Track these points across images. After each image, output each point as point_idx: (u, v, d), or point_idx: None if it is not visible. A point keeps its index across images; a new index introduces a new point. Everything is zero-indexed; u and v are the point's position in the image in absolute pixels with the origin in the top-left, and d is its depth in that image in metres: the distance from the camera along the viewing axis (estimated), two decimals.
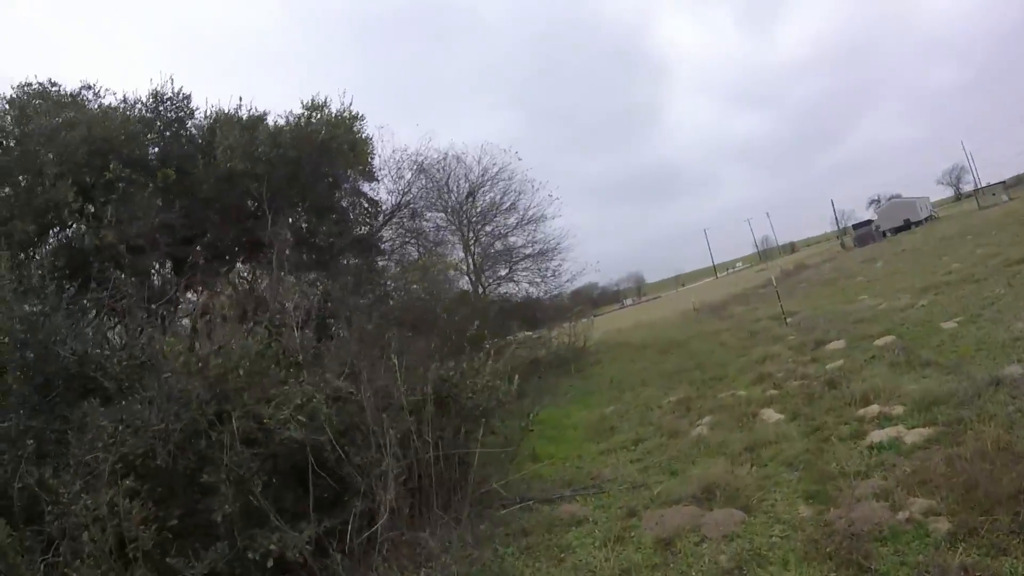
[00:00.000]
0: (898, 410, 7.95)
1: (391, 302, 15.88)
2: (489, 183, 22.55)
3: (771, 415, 9.38)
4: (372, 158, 18.18)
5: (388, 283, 16.75)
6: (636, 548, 6.05)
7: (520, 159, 27.10)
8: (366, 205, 18.88)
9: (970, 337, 10.58)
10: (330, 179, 15.78)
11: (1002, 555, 4.29)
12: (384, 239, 19.51)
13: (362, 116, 15.86)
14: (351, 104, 15.44)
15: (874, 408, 8.24)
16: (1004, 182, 72.69)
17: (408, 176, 19.71)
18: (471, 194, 22.46)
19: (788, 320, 18.14)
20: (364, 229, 18.19)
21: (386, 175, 19.24)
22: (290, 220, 14.39)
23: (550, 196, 23.71)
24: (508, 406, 9.22)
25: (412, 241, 20.27)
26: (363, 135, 17.15)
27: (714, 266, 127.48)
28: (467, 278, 22.42)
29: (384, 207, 19.03)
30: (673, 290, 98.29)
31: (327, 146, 14.48)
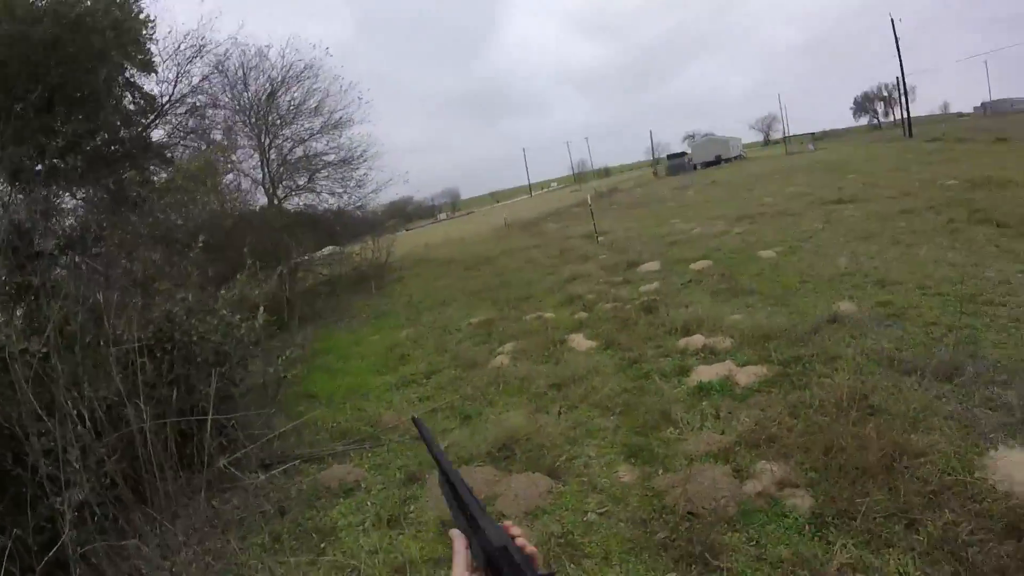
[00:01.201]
0: (725, 343, 7.12)
1: (164, 217, 13.15)
2: (294, 81, 19.56)
3: (581, 342, 8.32)
4: (150, 43, 15.15)
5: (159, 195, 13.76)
6: (415, 533, 4.59)
7: (331, 55, 24.52)
8: (140, 101, 15.70)
9: (791, 268, 10.21)
10: (90, 67, 12.73)
11: (886, 548, 3.31)
12: (167, 144, 16.43)
13: None
14: None
15: (697, 339, 7.37)
16: (813, 134, 79.24)
17: (195, 69, 16.52)
18: (272, 93, 19.36)
19: (600, 239, 17.57)
20: (136, 131, 15.07)
21: (170, 65, 15.85)
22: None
23: (359, 99, 21.07)
24: (262, 345, 7.55)
25: (194, 144, 17.10)
26: (138, 13, 14.26)
27: (529, 185, 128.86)
28: (262, 188, 19.56)
29: (162, 102, 15.84)
30: (488, 206, 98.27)
31: (82, 23, 11.39)
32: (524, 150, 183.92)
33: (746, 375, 6.16)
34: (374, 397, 8.16)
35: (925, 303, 7.43)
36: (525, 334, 9.29)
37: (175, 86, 16.06)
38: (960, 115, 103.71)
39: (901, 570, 3.16)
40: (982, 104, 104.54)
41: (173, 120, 16.73)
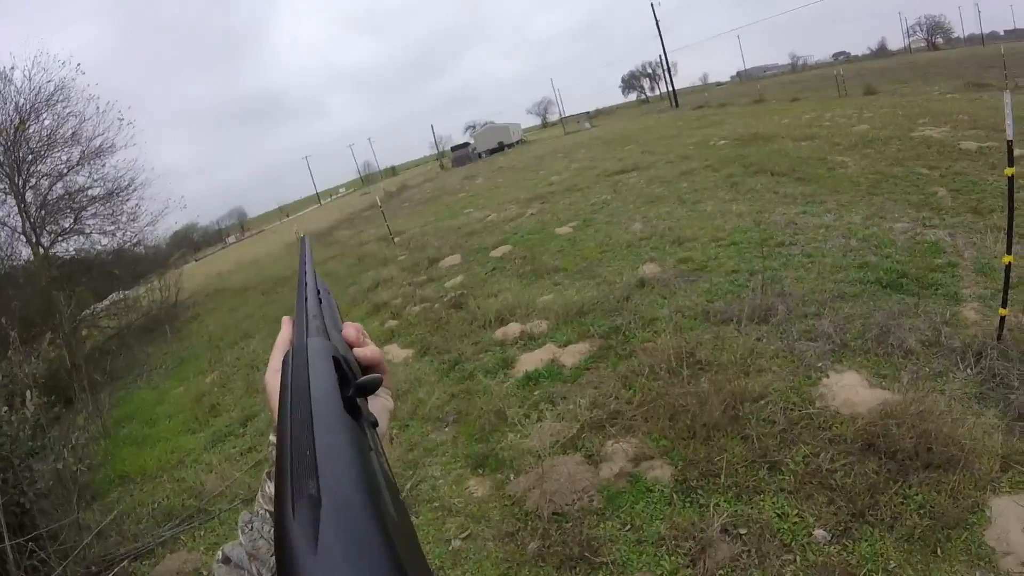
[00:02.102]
0: (541, 326, 7.02)
1: None
2: (45, 107, 16.85)
3: (396, 352, 7.89)
4: None
5: None
6: None
7: (83, 72, 21.27)
8: None
9: (589, 240, 10.42)
10: None
11: (757, 496, 3.24)
12: None
13: None
14: None
15: (513, 327, 7.22)
16: (588, 113, 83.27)
17: None
18: (23, 123, 16.55)
19: (396, 239, 17.11)
20: None
21: None
22: None
23: (120, 120, 18.71)
24: (47, 434, 6.53)
25: None
26: None
27: (317, 193, 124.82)
28: (22, 238, 16.70)
29: None
30: (278, 221, 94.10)
31: None
32: (307, 158, 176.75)
33: (570, 355, 6.09)
34: (191, 461, 7.24)
35: (723, 254, 7.82)
36: None
37: None
38: (719, 84, 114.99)
39: (778, 512, 3.11)
40: (737, 73, 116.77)
41: None
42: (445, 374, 6.70)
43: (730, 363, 4.68)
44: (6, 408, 5.88)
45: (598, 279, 8.22)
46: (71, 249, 18.22)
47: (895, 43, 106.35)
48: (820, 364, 4.36)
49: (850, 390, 3.88)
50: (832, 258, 6.80)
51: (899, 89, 27.95)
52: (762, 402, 4.00)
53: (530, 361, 6.24)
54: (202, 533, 5.58)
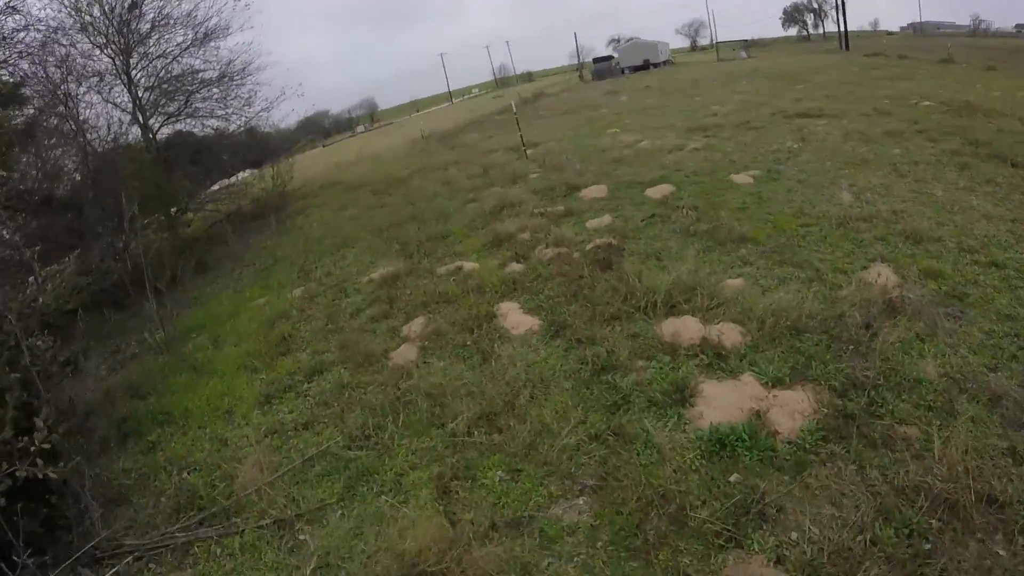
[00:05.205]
0: (733, 334, 4.63)
1: None
2: None
3: (517, 319, 5.69)
4: None
5: None
6: None
7: None
8: None
9: (781, 202, 7.77)
10: None
11: None
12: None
13: None
14: None
15: (690, 325, 4.87)
16: (746, 41, 76.21)
17: None
18: (135, 5, 14.86)
19: (529, 153, 14.61)
20: None
21: None
22: None
23: (236, 1, 16.72)
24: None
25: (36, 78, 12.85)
26: None
27: (450, 92, 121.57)
28: (135, 118, 15.26)
29: None
30: (407, 116, 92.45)
31: None
32: (442, 56, 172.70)
33: (785, 412, 3.76)
34: (238, 419, 5.42)
35: (985, 278, 5.26)
36: (439, 301, 6.57)
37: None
38: (889, 32, 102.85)
39: None
40: (910, 24, 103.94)
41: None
42: (585, 383, 4.42)
43: None
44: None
45: (807, 269, 5.67)
46: (182, 129, 16.94)
47: None
48: None
49: None
50: None
51: None
52: None
53: (719, 400, 3.93)
54: (218, 552, 3.82)
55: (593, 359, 4.60)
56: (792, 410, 3.73)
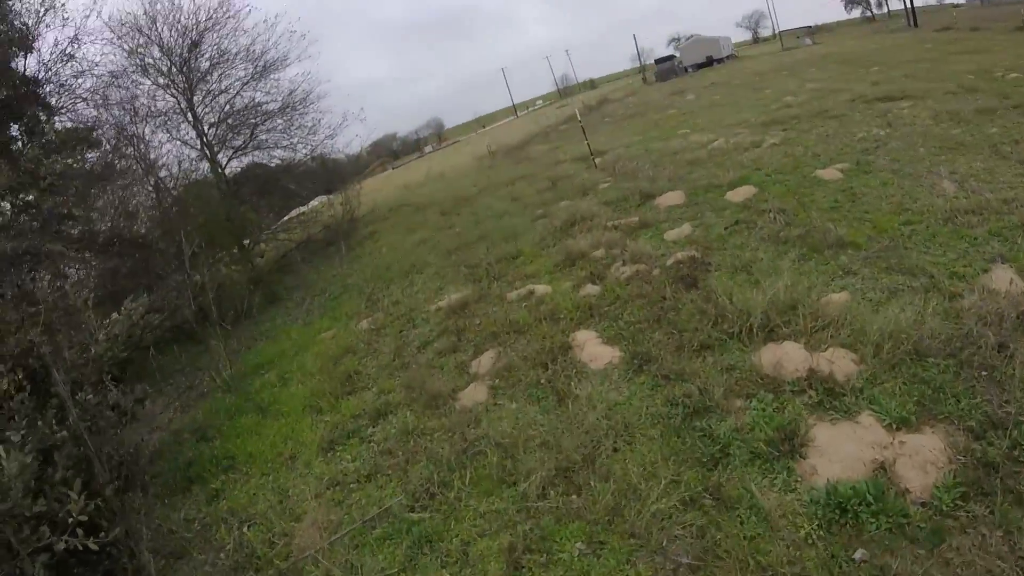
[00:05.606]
0: (845, 363, 3.97)
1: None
2: (211, 25, 15.24)
3: (595, 351, 5.16)
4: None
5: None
6: None
7: None
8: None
9: (876, 196, 6.98)
10: None
11: None
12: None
13: None
14: None
15: (792, 352, 4.23)
16: (810, 27, 73.34)
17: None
18: (196, 44, 15.17)
19: (597, 161, 14.02)
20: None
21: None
22: None
23: (292, 32, 16.87)
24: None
25: (104, 122, 13.22)
26: None
27: (514, 105, 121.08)
28: (202, 154, 15.58)
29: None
30: (473, 133, 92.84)
31: None
32: (503, 70, 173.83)
33: (912, 463, 3.15)
34: (301, 465, 5.17)
35: None
36: (510, 331, 6.10)
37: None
38: (955, 5, 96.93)
39: None
40: None
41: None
42: (675, 431, 3.85)
43: None
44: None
45: (919, 276, 4.92)
46: (247, 164, 17.17)
47: None
48: None
49: None
50: None
51: None
52: None
53: (835, 450, 3.33)
54: None
55: (683, 399, 4.02)
56: (923, 460, 3.08)
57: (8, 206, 9.33)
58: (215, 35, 15.38)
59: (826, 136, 10.53)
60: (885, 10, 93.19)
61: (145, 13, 14.48)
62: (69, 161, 10.48)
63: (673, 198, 9.05)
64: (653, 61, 71.88)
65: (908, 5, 52.77)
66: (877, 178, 7.62)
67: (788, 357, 4.12)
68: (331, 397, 6.18)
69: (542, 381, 4.95)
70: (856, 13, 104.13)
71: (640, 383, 4.47)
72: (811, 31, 70.95)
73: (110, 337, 6.21)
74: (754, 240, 6.57)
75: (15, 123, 11.34)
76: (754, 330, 4.53)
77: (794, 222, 6.71)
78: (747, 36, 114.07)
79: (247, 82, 16.08)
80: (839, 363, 3.93)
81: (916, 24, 47.10)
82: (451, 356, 6.13)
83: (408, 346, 6.85)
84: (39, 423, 4.56)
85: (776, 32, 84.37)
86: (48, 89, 11.88)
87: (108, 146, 12.97)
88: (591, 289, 6.50)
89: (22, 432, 4.25)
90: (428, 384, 5.56)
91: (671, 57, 65.11)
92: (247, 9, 15.78)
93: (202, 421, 6.80)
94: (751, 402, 3.85)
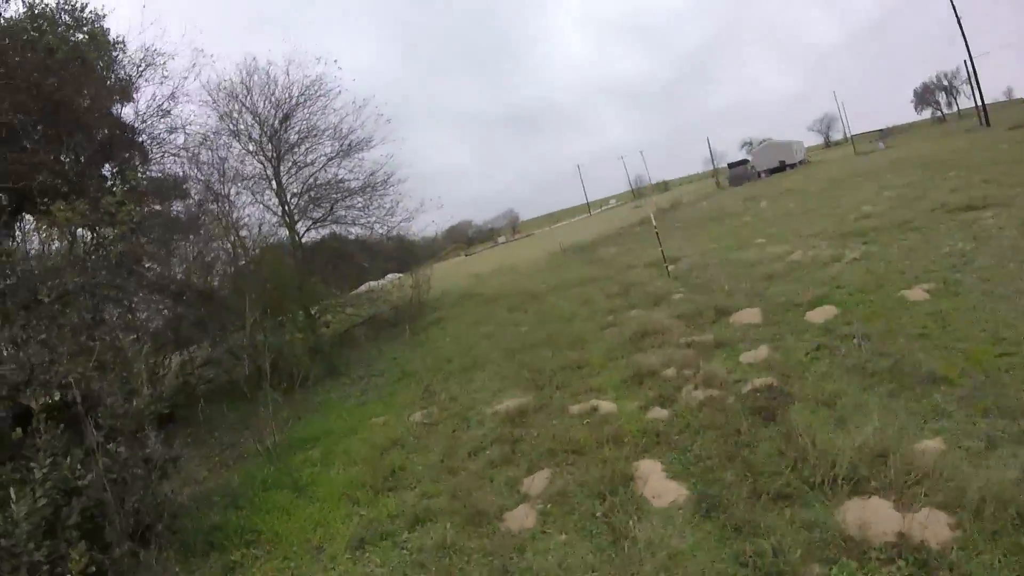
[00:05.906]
0: (940, 528, 3.53)
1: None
2: (304, 101, 16.57)
3: (659, 488, 4.79)
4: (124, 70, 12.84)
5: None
6: None
7: (340, 68, 21.38)
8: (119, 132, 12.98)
9: (968, 323, 6.48)
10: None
11: None
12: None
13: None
14: None
15: (884, 512, 3.81)
16: (882, 130, 72.80)
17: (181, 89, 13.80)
18: (287, 117, 16.35)
19: (670, 268, 13.81)
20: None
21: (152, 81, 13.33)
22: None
23: (379, 115, 17.81)
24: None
25: (192, 177, 14.39)
26: (103, 34, 12.16)
27: (587, 203, 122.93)
28: (282, 220, 16.50)
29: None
30: (547, 227, 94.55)
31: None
32: (579, 167, 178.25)
33: None
34: (327, 558, 5.00)
35: None
36: (568, 452, 5.80)
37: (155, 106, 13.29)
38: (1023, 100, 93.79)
39: None
40: None
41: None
42: None
43: None
44: None
45: (1019, 419, 4.42)
46: (325, 235, 17.99)
47: None
48: None
49: None
50: None
51: None
52: None
53: None
54: None
55: (754, 559, 3.61)
56: None
57: (88, 239, 9.85)
58: (305, 111, 16.71)
59: (909, 250, 10.07)
60: (955, 109, 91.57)
61: (242, 82, 15.69)
62: (146, 210, 11.11)
63: (750, 315, 8.71)
64: (726, 165, 72.39)
65: (979, 103, 51.40)
66: (967, 300, 7.13)
67: (876, 517, 3.70)
68: (371, 490, 6.05)
69: (598, 514, 4.62)
70: (926, 114, 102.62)
71: (707, 532, 4.08)
72: (884, 134, 70.28)
73: (155, 395, 6.24)
74: (838, 370, 6.14)
75: (109, 163, 12.20)
76: (839, 480, 4.11)
77: (880, 350, 6.28)
78: (819, 140, 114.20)
79: (332, 158, 17.26)
80: (933, 527, 3.50)
81: (988, 123, 45.87)
82: (503, 469, 5.86)
83: (459, 449, 6.63)
84: (67, 461, 4.55)
85: (848, 135, 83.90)
86: (142, 139, 12.85)
87: (194, 199, 13.82)
88: (659, 412, 6.17)
89: (44, 470, 4.24)
90: (475, 496, 5.32)
91: (744, 161, 65.41)
92: (337, 90, 16.93)
93: (236, 486, 6.77)
94: (831, 569, 3.42)
